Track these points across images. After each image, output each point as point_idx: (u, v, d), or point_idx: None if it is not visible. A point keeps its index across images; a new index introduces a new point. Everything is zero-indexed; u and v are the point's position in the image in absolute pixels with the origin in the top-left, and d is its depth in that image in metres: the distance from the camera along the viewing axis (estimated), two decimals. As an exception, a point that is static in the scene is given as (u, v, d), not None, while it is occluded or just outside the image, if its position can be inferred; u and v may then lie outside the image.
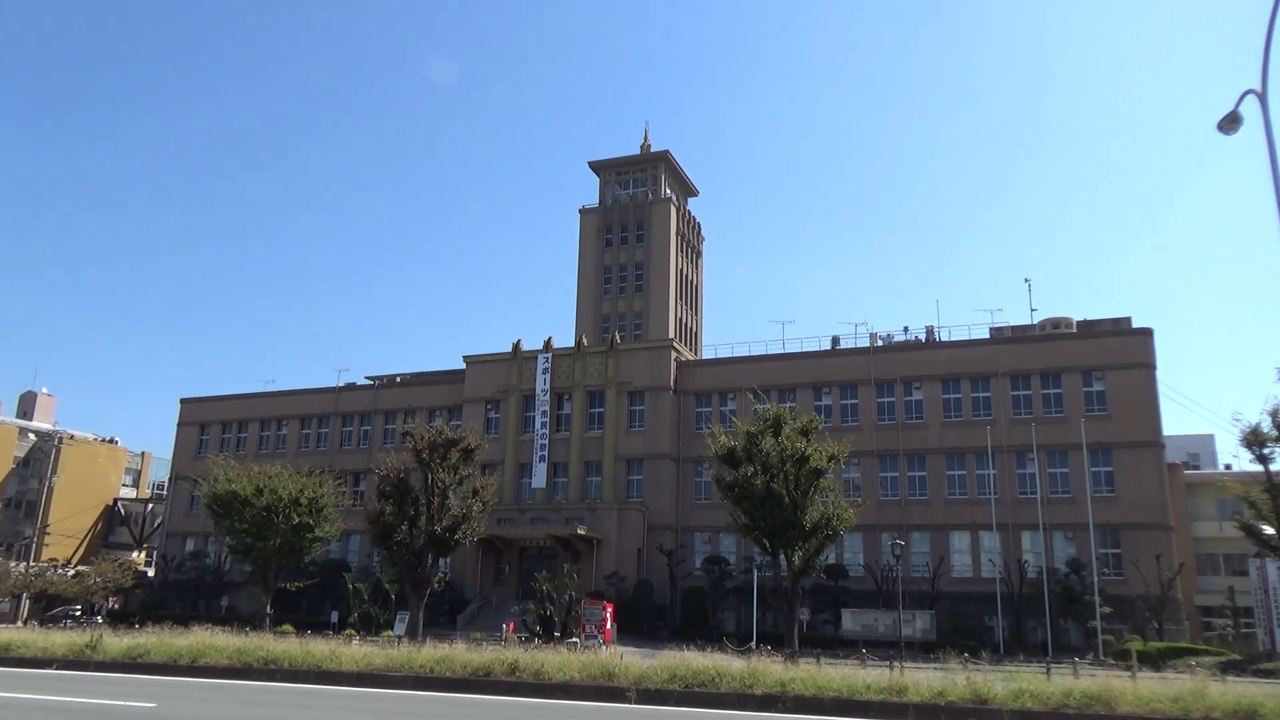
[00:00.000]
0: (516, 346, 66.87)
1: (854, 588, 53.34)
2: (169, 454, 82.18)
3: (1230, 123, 17.83)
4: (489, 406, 67.10)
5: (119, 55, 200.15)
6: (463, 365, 69.12)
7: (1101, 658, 42.54)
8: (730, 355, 65.89)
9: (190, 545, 74.03)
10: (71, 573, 69.32)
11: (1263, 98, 16.73)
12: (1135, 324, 57.09)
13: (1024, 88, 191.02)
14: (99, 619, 58.38)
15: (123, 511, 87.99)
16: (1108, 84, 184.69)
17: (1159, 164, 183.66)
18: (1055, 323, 61.37)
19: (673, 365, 63.55)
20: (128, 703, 14.92)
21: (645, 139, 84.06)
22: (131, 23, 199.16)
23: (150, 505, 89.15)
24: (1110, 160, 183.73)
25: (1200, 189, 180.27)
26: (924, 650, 42.91)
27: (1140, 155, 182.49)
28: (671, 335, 71.92)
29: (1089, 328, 59.52)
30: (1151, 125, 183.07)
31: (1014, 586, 50.48)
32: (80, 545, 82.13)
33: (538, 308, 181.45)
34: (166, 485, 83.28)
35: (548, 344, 66.19)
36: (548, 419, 64.43)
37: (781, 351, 63.72)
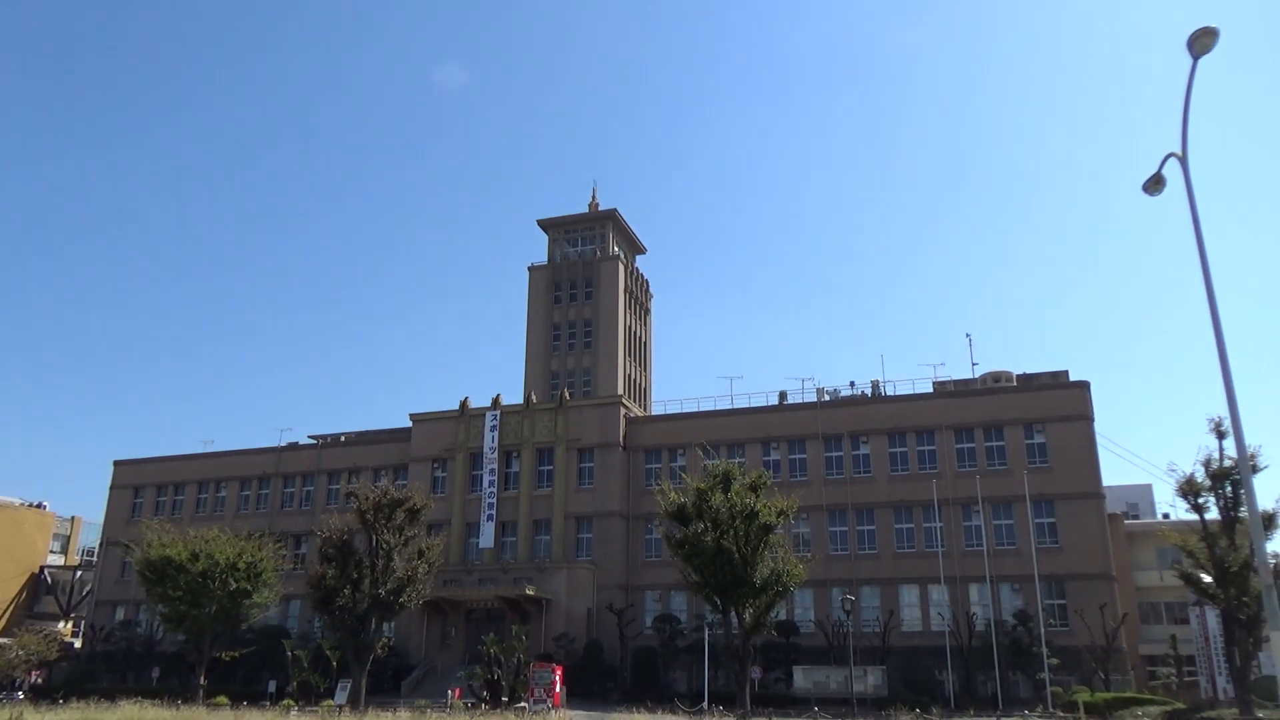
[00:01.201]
0: (464, 404, 66.22)
1: (805, 644, 52.99)
2: (100, 518, 79.22)
3: (1154, 184, 18.58)
4: (436, 465, 66.10)
5: (59, 103, 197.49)
6: (409, 423, 68.16)
7: (1050, 710, 42.73)
8: (679, 411, 66.01)
9: (120, 614, 71.03)
10: (-8, 646, 65.88)
11: (1183, 161, 17.46)
12: (1072, 377, 58.58)
13: (959, 148, 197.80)
14: (20, 694, 55.52)
15: (49, 579, 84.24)
16: (1047, 145, 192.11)
17: (1093, 221, 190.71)
18: (996, 376, 62.68)
19: (622, 422, 63.40)
20: (46, 785, 14.12)
21: (593, 197, 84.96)
22: (56, 51, 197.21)
23: (79, 573, 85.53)
24: (1045, 218, 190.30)
25: (1131, 246, 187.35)
26: (876, 706, 42.73)
27: (1074, 213, 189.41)
28: (621, 392, 71.89)
29: (1028, 381, 60.90)
30: (1085, 184, 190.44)
31: (963, 640, 50.63)
32: (2, 616, 78.32)
33: (486, 365, 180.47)
34: (97, 551, 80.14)
35: (496, 401, 65.68)
36: (496, 477, 63.60)
37: (730, 407, 64.01)
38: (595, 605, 57.88)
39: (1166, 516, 60.98)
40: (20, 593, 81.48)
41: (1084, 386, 56.63)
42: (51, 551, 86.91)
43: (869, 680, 48.02)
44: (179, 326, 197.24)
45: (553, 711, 36.59)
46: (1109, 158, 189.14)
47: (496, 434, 64.20)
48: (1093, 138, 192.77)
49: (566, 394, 66.50)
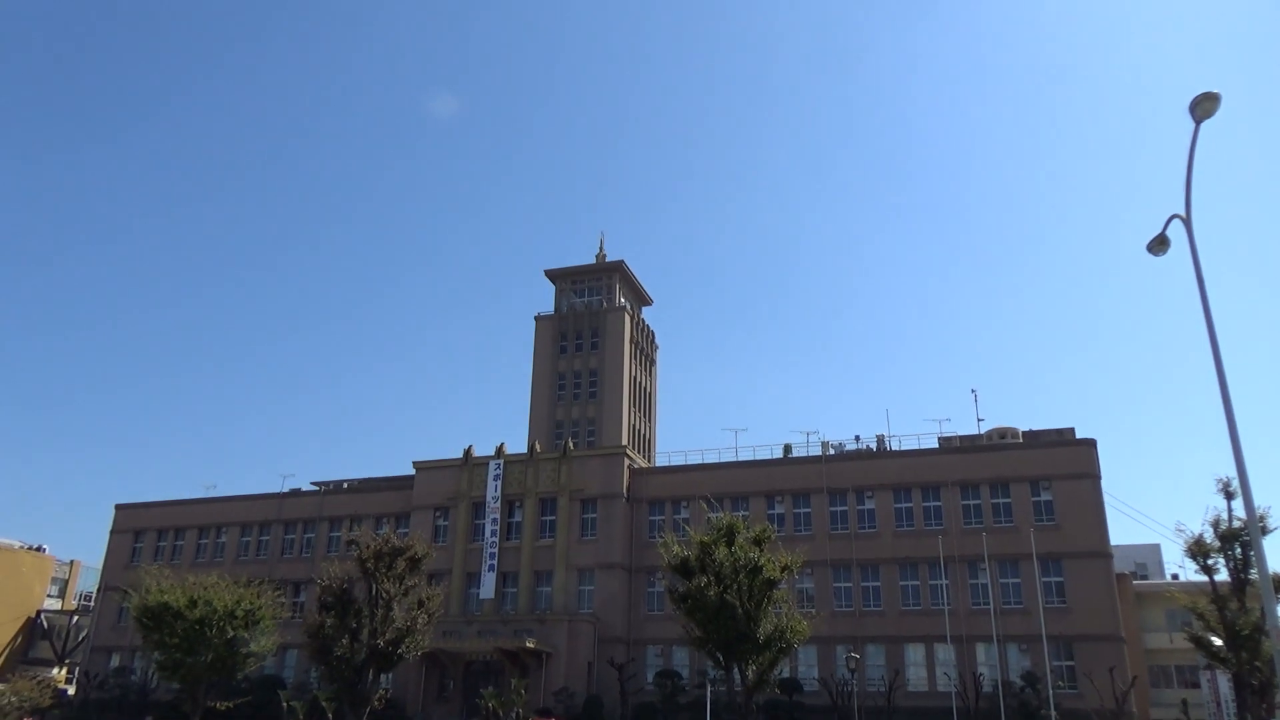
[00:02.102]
0: (468, 452, 66.05)
1: (809, 703, 52.01)
2: (100, 562, 78.66)
3: (1159, 245, 18.71)
4: (438, 514, 65.73)
5: (58, 154, 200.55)
6: (412, 471, 67.94)
7: (1060, 775, 41.77)
8: (684, 463, 65.67)
9: (115, 661, 70.18)
10: (-16, 691, 65.00)
11: (1187, 222, 17.61)
12: (1079, 434, 58.27)
13: (966, 205, 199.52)
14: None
15: (45, 624, 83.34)
16: (1054, 205, 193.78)
17: (1099, 280, 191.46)
18: (1001, 433, 62.41)
19: (626, 472, 63.12)
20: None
21: (600, 249, 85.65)
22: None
23: (76, 617, 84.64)
24: (1052, 275, 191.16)
25: (1137, 304, 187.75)
26: (881, 769, 41.78)
27: (1080, 271, 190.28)
28: (625, 442, 71.71)
29: (1034, 438, 60.57)
30: (1091, 242, 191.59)
31: (970, 701, 49.68)
32: (-4, 661, 77.36)
33: (491, 414, 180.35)
34: (94, 596, 79.42)
35: (500, 450, 65.51)
36: (498, 527, 63.18)
37: (735, 459, 63.70)
38: (596, 659, 57.06)
39: (1175, 577, 60.23)
40: (15, 637, 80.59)
41: (1090, 444, 56.30)
42: (49, 595, 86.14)
43: (874, 741, 47.05)
44: (184, 372, 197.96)
45: (551, 768, 35.92)
46: (1114, 216, 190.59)
47: (500, 483, 63.93)
48: (1098, 197, 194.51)
49: (570, 444, 66.32)
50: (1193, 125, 17.07)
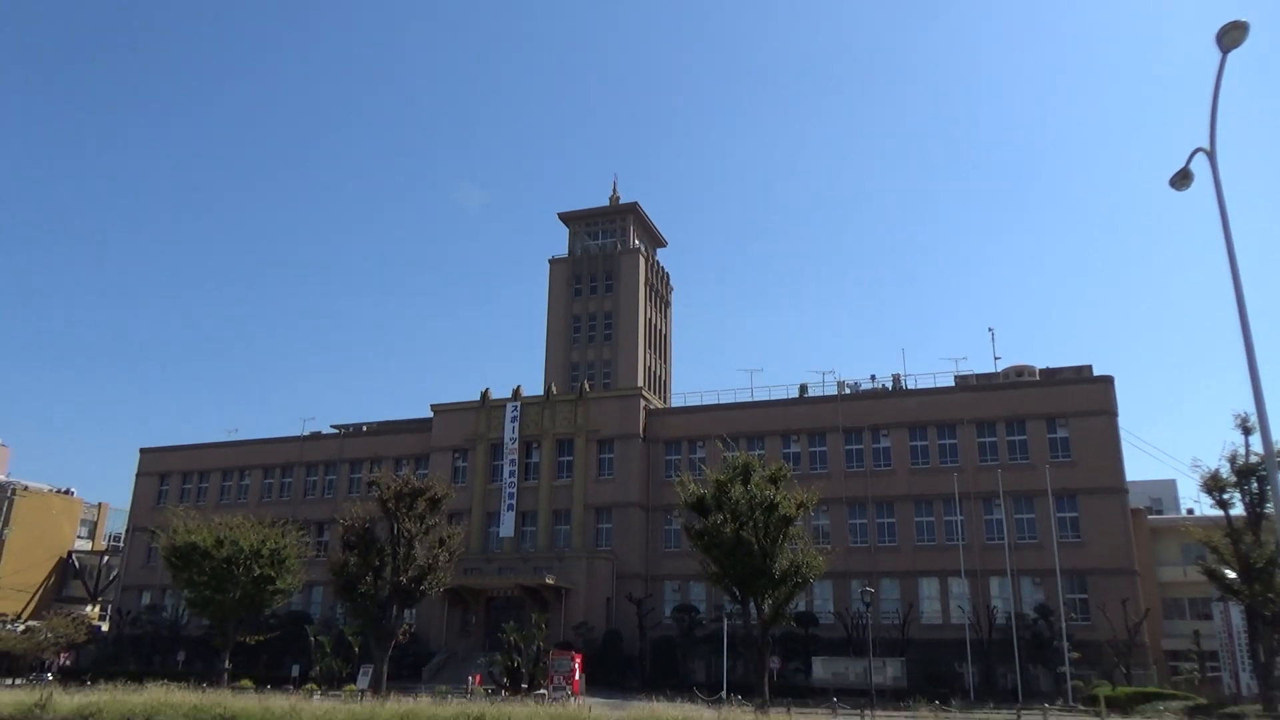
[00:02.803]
0: (485, 395, 66.53)
1: (824, 635, 52.97)
2: (127, 505, 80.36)
3: (1182, 179, 18.40)
4: (456, 455, 66.51)
5: (84, 90, 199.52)
6: (430, 414, 68.59)
7: (1071, 703, 42.54)
8: (699, 404, 65.97)
9: (147, 598, 72.05)
10: (22, 628, 67.10)
11: (1211, 155, 17.29)
12: (1096, 372, 58.04)
13: (986, 142, 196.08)
14: (49, 676, 56.48)
15: (77, 564, 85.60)
16: (1069, 139, 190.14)
17: (1119, 216, 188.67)
18: (1018, 371, 62.22)
19: (642, 413, 63.50)
20: (79, 763, 14.44)
21: (614, 190, 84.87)
22: (99, 58, 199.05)
23: (106, 558, 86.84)
24: (1071, 212, 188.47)
25: (1157, 241, 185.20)
26: (895, 698, 42.72)
27: (1100, 207, 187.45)
28: (640, 384, 71.97)
29: (1051, 376, 60.38)
30: (1111, 178, 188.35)
31: (983, 633, 50.45)
32: (32, 600, 79.67)
33: (507, 357, 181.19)
34: (123, 537, 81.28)
35: (516, 392, 65.93)
36: (516, 467, 63.93)
37: (750, 400, 63.91)
38: (614, 595, 58.14)
39: (1190, 512, 60.42)
40: (49, 577, 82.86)
41: (1108, 381, 56.11)
42: (79, 537, 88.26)
43: (888, 672, 48.00)
44: (205, 318, 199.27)
45: (572, 699, 36.75)
46: (1135, 151, 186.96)
47: (517, 425, 64.51)
48: (1119, 131, 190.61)
49: (586, 386, 66.65)
50: (1219, 55, 16.66)
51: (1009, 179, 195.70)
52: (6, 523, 77.13)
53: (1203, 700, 40.39)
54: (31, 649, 62.84)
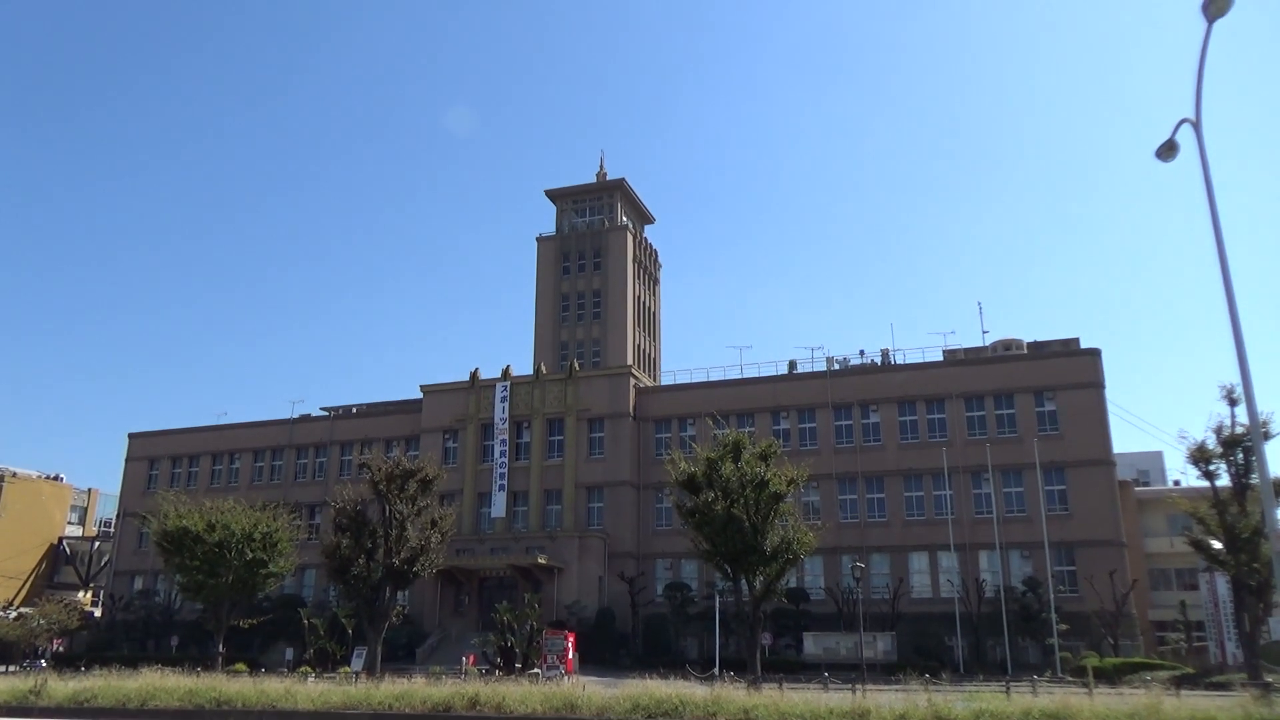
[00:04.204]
0: (474, 375, 66.45)
1: (815, 611, 53.44)
2: (117, 490, 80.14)
3: (1168, 150, 18.42)
4: (447, 436, 66.50)
5: (91, 79, 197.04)
6: (420, 395, 68.50)
7: (1059, 675, 43.05)
8: (689, 381, 66.11)
9: (139, 584, 72.05)
10: (14, 615, 66.98)
11: (1197, 126, 17.31)
12: (1083, 345, 58.38)
13: (975, 118, 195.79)
14: (43, 662, 56.47)
15: (68, 550, 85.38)
16: (1057, 112, 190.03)
17: (1104, 188, 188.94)
18: (1006, 344, 62.50)
19: (631, 392, 63.57)
20: (73, 750, 14.44)
21: (601, 167, 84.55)
22: (101, 58, 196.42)
23: (97, 543, 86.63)
24: (1056, 184, 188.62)
25: (1143, 212, 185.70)
26: (886, 672, 43.11)
27: (1086, 179, 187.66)
28: (630, 362, 72.01)
29: (1039, 349, 60.70)
30: (1099, 151, 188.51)
31: (973, 606, 50.95)
32: (23, 586, 79.47)
33: (495, 337, 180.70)
34: (114, 523, 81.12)
35: (506, 372, 65.88)
36: (506, 447, 63.97)
37: (740, 376, 64.09)
38: (607, 573, 58.42)
39: (1177, 483, 60.99)
40: (40, 563, 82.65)
41: (1095, 354, 56.44)
42: (69, 523, 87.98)
43: (879, 646, 48.45)
44: (191, 302, 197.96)
45: (565, 677, 37.05)
46: (1122, 124, 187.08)
47: (507, 405, 64.49)
48: (1104, 104, 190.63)
49: (576, 365, 66.69)
50: (1205, 24, 16.63)
51: (996, 152, 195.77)
52: (-5, 509, 76.82)
53: (1189, 670, 40.98)
54: (25, 636, 62.78)
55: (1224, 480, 38.37)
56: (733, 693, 17.48)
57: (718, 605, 47.96)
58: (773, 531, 31.83)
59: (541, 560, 55.71)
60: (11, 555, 77.53)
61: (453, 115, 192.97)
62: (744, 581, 32.20)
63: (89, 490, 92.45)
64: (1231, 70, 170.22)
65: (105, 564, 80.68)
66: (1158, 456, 69.87)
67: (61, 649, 65.18)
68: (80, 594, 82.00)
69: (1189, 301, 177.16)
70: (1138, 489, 61.80)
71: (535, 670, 39.65)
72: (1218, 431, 38.23)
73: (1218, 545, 37.82)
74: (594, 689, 18.28)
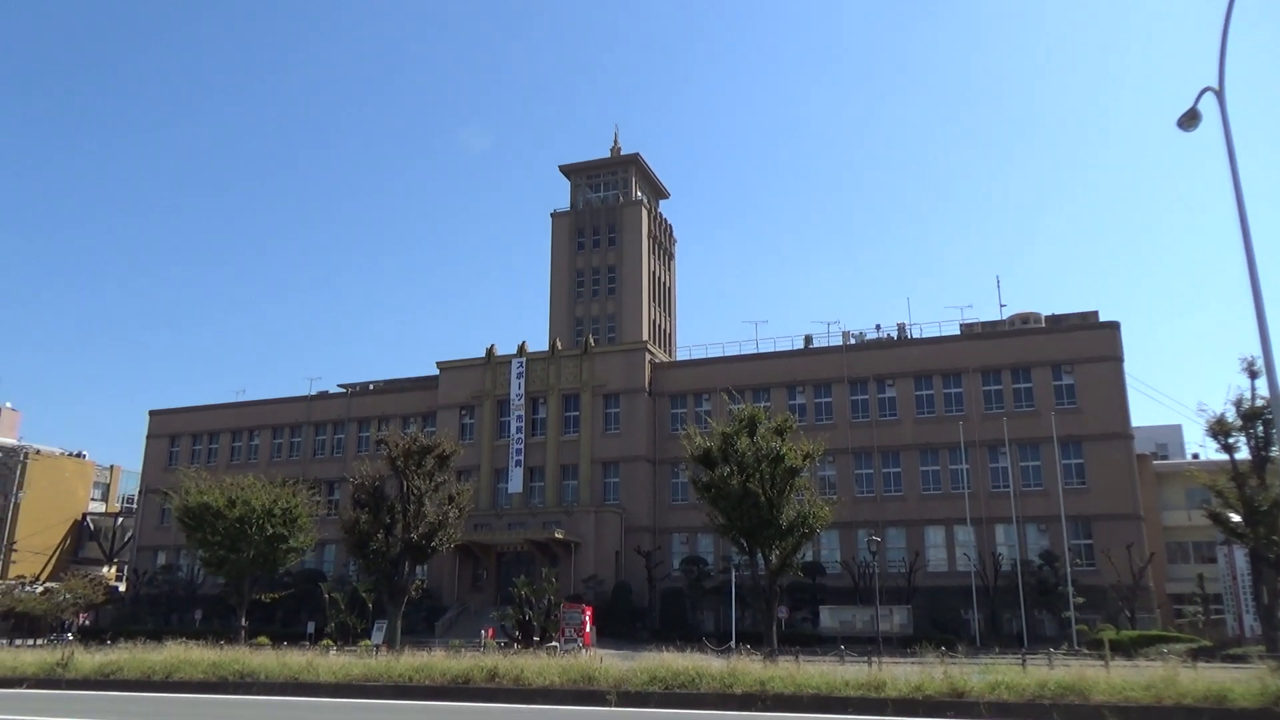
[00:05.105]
0: (490, 351, 66.64)
1: (831, 585, 53.63)
2: (138, 467, 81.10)
3: (1190, 119, 18.16)
4: (463, 412, 66.83)
5: (91, 70, 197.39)
6: (436, 371, 68.80)
7: (1076, 647, 43.11)
8: (704, 356, 66.06)
9: (162, 559, 73.06)
10: (40, 589, 68.16)
11: (1220, 95, 17.05)
12: (1102, 318, 57.88)
13: (992, 89, 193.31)
14: (70, 635, 57.46)
15: (92, 526, 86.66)
16: (1075, 84, 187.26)
17: (1125, 161, 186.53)
18: (1024, 318, 62.08)
19: (647, 367, 63.61)
20: (101, 720, 14.73)
21: (615, 142, 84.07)
22: (105, 42, 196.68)
23: (120, 519, 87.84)
24: (1077, 157, 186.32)
25: (1164, 183, 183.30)
26: (902, 645, 43.31)
27: (1107, 152, 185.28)
28: (645, 337, 71.97)
29: (1057, 322, 60.24)
30: (1118, 123, 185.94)
31: (989, 579, 50.99)
32: (49, 561, 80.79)
33: (511, 312, 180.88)
34: (136, 499, 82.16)
35: (521, 348, 66.02)
36: (523, 423, 64.25)
37: (755, 351, 63.96)
38: (623, 548, 58.77)
39: (1196, 457, 60.64)
40: (65, 539, 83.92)
41: (1113, 327, 55.99)
42: (93, 499, 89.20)
43: (895, 619, 48.63)
44: (210, 279, 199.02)
45: (583, 650, 37.29)
46: (1143, 93, 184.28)
47: (523, 381, 64.69)
48: (1125, 72, 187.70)
49: (591, 340, 66.74)
50: (1230, -8, 16.33)
51: (1015, 123, 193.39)
52: (20, 486, 77.89)
53: (1207, 642, 40.92)
54: (51, 610, 63.86)
55: (1243, 453, 38.09)
56: (749, 665, 17.60)
57: (734, 579, 48.19)
58: (788, 506, 31.85)
59: (558, 535, 56.09)
60: (37, 531, 78.73)
61: (467, 91, 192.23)
62: (760, 555, 32.30)
63: (111, 467, 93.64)
64: (1255, 39, 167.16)
65: (128, 540, 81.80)
66: (1177, 430, 69.47)
67: (87, 623, 66.27)
68: (104, 569, 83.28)
69: (1209, 273, 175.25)
70: (1156, 462, 61.48)
71: (553, 643, 39.95)
72: (1237, 404, 37.92)
73: (1236, 518, 37.59)
74: (611, 661, 18.44)
